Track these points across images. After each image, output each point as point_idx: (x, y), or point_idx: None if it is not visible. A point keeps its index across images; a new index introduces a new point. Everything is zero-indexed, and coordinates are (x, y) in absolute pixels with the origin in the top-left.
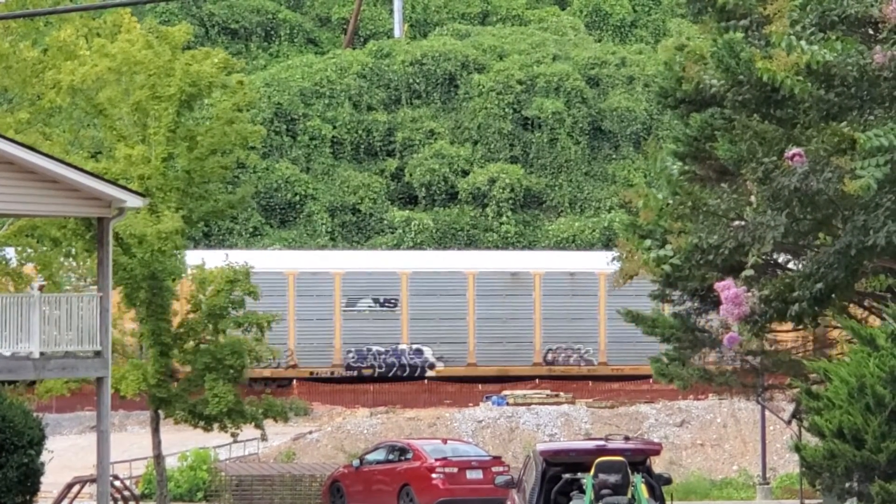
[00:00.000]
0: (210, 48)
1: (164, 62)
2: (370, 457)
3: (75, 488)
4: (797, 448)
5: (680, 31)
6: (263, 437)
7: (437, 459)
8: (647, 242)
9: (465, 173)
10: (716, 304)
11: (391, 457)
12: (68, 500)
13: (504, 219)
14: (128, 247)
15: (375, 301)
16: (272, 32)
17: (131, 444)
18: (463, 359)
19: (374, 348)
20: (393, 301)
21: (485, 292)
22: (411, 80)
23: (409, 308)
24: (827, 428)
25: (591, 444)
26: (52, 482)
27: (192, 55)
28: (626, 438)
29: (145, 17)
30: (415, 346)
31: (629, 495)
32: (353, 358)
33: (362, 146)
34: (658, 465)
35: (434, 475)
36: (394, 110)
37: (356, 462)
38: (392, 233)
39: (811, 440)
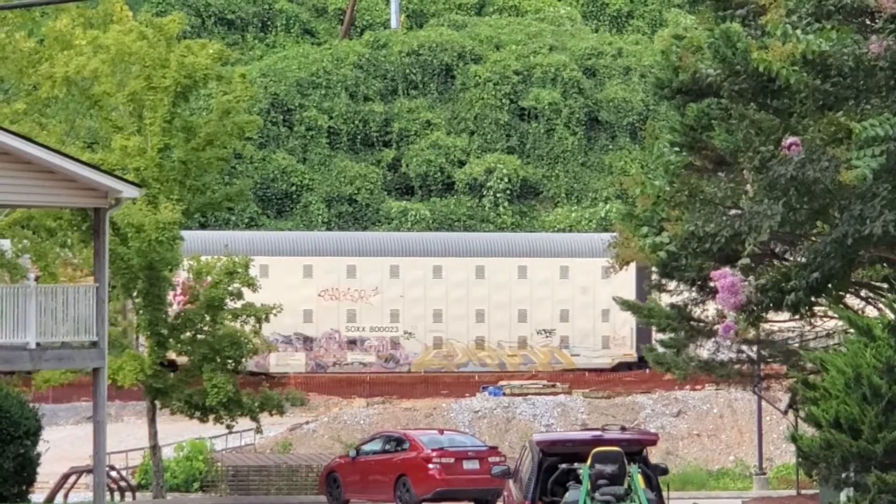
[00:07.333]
0: (206, 39)
1: (160, 53)
2: (367, 447)
3: (72, 478)
4: (794, 438)
5: (677, 22)
6: (258, 430)
7: (433, 450)
8: (644, 229)
9: (462, 164)
10: (712, 293)
11: (388, 447)
12: (64, 491)
13: (501, 209)
14: (125, 237)
15: None
16: (268, 23)
17: (128, 435)
18: None
19: None
20: None
21: None
22: (408, 71)
23: None
24: (823, 418)
25: (587, 435)
26: (48, 472)
27: (188, 46)
28: (623, 429)
29: (141, 8)
30: None
31: (626, 485)
32: None
33: (359, 137)
34: (654, 455)
35: (430, 465)
36: (390, 101)
37: (353, 452)
38: (389, 223)
39: (808, 430)
